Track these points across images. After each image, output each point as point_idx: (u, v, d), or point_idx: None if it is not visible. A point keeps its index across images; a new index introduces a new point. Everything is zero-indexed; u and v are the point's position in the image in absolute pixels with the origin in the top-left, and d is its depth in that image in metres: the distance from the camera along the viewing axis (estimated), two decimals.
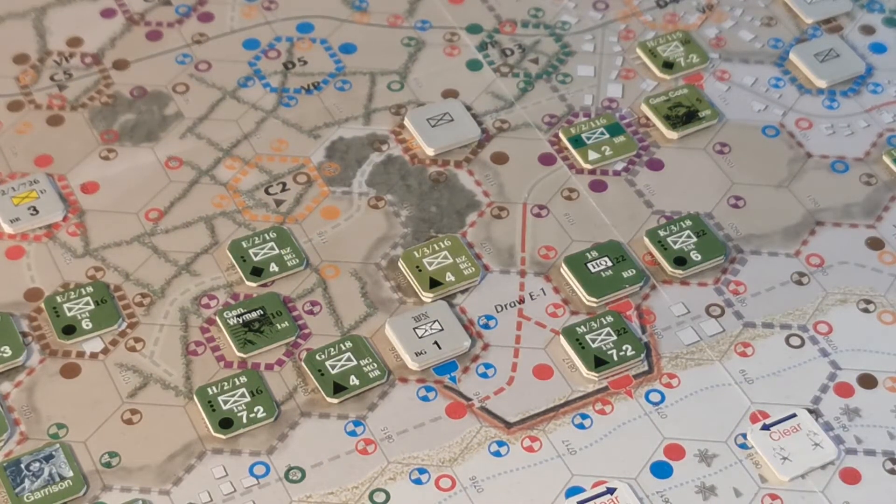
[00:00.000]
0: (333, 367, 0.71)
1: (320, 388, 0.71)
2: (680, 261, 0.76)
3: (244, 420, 0.70)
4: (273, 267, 0.75)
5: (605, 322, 0.73)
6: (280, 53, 0.86)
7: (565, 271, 0.75)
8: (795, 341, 0.73)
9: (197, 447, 0.69)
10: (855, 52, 0.86)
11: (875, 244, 0.77)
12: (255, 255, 0.76)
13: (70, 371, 0.71)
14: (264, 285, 0.75)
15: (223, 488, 0.68)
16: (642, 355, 0.72)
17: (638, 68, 0.85)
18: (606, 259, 0.76)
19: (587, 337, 0.73)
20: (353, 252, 0.76)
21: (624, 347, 0.72)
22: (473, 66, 0.85)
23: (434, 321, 0.73)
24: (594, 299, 0.74)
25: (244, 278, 0.75)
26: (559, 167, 0.80)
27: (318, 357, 0.72)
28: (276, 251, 0.76)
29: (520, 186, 0.80)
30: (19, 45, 0.86)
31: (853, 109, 0.84)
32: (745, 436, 0.70)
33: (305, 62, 0.85)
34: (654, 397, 0.71)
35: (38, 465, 0.68)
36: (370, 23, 0.87)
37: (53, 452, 0.68)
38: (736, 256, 0.77)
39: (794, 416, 0.70)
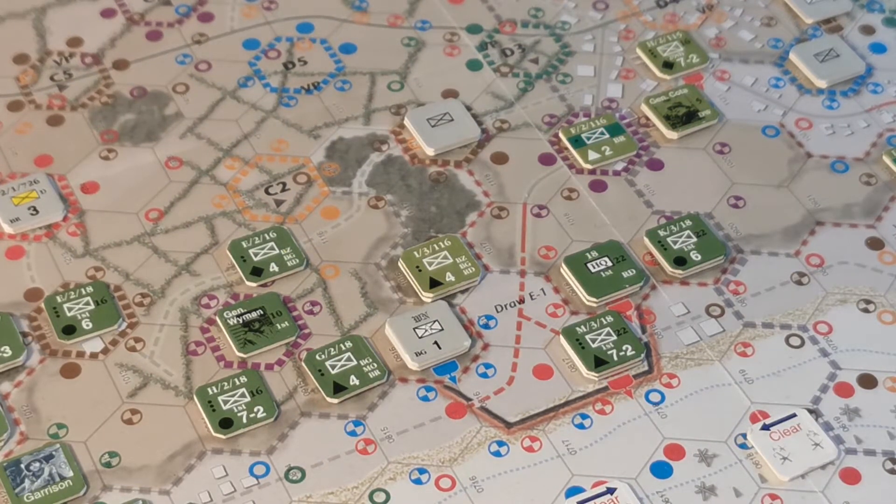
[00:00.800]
0: (333, 367, 0.71)
1: (320, 388, 0.71)
2: (680, 261, 0.76)
3: (244, 420, 0.70)
4: (273, 267, 0.75)
5: (605, 322, 0.73)
6: (280, 53, 0.86)
7: (565, 271, 0.75)
8: (795, 341, 0.73)
9: (197, 447, 0.69)
10: (855, 52, 0.86)
11: (875, 244, 0.77)
12: (255, 255, 0.76)
13: (70, 371, 0.71)
14: (264, 285, 0.75)
15: (223, 488, 0.68)
16: (642, 355, 0.72)
17: (638, 68, 0.85)
18: (606, 259, 0.76)
19: (587, 337, 0.73)
20: (353, 252, 0.76)
21: (624, 347, 0.72)
22: (473, 66, 0.85)
23: (434, 321, 0.73)
24: (594, 299, 0.74)
25: (244, 278, 0.75)
26: (559, 167, 0.80)
27: (318, 357, 0.72)
28: (276, 251, 0.76)
29: (520, 186, 0.80)
30: (19, 45, 0.86)
31: (853, 109, 0.84)
32: (745, 436, 0.70)
33: (305, 62, 0.85)
34: (654, 397, 0.71)
35: (38, 465, 0.68)
36: (370, 23, 0.87)
37: (53, 452, 0.68)
38: (736, 256, 0.77)
39: (794, 416, 0.70)
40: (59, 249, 0.76)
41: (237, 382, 0.71)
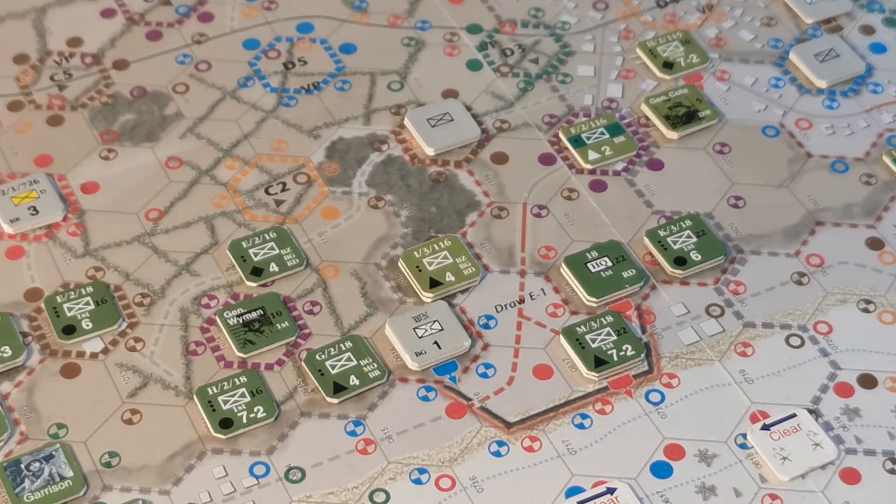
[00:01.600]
0: (333, 367, 0.71)
1: (320, 388, 0.71)
2: (680, 261, 0.76)
3: (244, 420, 0.70)
4: (273, 267, 0.75)
5: (605, 322, 0.73)
6: (280, 53, 0.86)
7: (565, 271, 0.75)
8: (795, 341, 0.73)
9: (197, 447, 0.69)
10: (855, 52, 0.86)
11: (875, 244, 0.77)
12: (255, 255, 0.76)
13: (70, 371, 0.71)
14: (264, 285, 0.75)
15: (223, 488, 0.68)
16: (642, 355, 0.72)
17: (638, 68, 0.85)
18: (606, 259, 0.76)
19: (587, 337, 0.73)
20: (353, 252, 0.76)
21: (624, 347, 0.72)
22: (473, 66, 0.85)
23: (434, 321, 0.73)
24: (594, 299, 0.74)
25: (244, 278, 0.75)
26: (559, 167, 0.80)
27: (318, 357, 0.72)
28: (276, 251, 0.76)
29: (520, 186, 0.80)
30: (19, 45, 0.86)
31: (853, 109, 0.84)
32: (745, 436, 0.70)
33: (305, 62, 0.85)
34: (654, 397, 0.71)
35: (38, 465, 0.68)
36: (370, 23, 0.87)
37: (53, 452, 0.68)
38: (736, 256, 0.77)
39: (794, 416, 0.70)
40: (59, 249, 0.76)
41: (237, 382, 0.71)
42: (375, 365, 0.71)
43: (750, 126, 0.83)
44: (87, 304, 0.73)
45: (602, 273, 0.75)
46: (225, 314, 0.73)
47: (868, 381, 0.72)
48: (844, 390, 0.71)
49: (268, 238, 0.76)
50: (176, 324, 0.73)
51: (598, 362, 0.72)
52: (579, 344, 0.72)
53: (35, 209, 0.77)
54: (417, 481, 0.68)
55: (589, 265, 0.75)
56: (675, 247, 0.76)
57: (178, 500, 0.67)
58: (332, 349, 0.72)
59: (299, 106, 0.83)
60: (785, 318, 0.74)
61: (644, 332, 0.73)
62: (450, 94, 0.84)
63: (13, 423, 0.69)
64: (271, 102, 0.83)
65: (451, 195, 0.79)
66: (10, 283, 0.75)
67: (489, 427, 0.70)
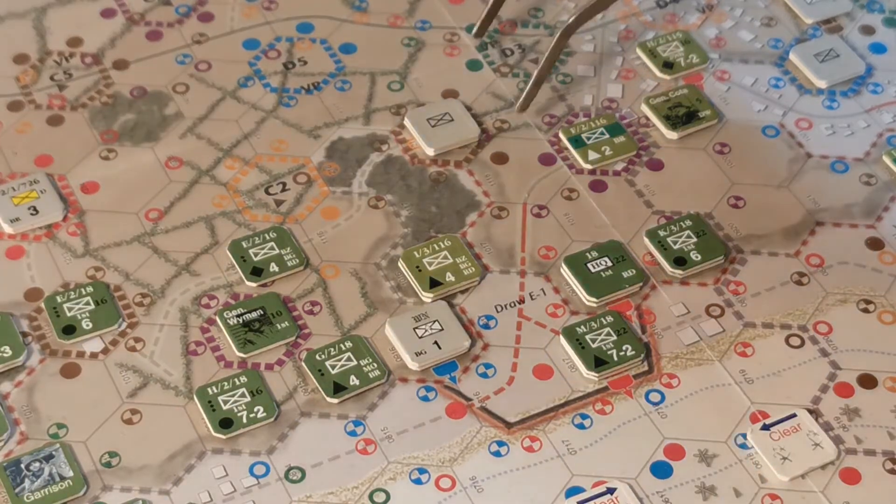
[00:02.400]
0: (333, 367, 0.71)
1: (320, 388, 0.71)
2: (680, 261, 0.76)
3: (244, 420, 0.70)
4: (273, 267, 0.75)
5: (605, 322, 0.73)
6: (280, 53, 0.86)
7: (565, 271, 0.75)
8: (795, 341, 0.73)
9: (197, 447, 0.69)
10: (855, 52, 0.86)
11: (875, 244, 0.77)
12: (255, 255, 0.76)
13: (70, 371, 0.71)
14: (264, 285, 0.75)
15: (223, 488, 0.68)
16: (642, 355, 0.72)
17: (638, 68, 0.85)
18: (606, 259, 0.76)
19: (587, 337, 0.73)
20: (353, 252, 0.76)
21: (624, 347, 0.72)
22: (473, 66, 0.85)
23: (434, 321, 0.73)
24: (594, 299, 0.74)
25: (244, 278, 0.75)
26: (559, 167, 0.80)
27: (318, 357, 0.72)
28: (276, 251, 0.76)
29: (520, 186, 0.80)
30: (19, 45, 0.86)
31: (853, 109, 0.84)
32: (745, 436, 0.70)
33: (305, 62, 0.85)
34: (654, 397, 0.71)
35: (38, 465, 0.68)
36: (370, 23, 0.87)
37: (53, 452, 0.68)
38: (736, 256, 0.77)
39: (794, 416, 0.70)
40: (59, 249, 0.76)
41: (237, 382, 0.71)
42: (375, 365, 0.71)
43: (750, 126, 0.83)
44: (87, 304, 0.73)
45: (602, 273, 0.75)
46: (225, 314, 0.73)
47: (868, 381, 0.72)
48: (844, 390, 0.71)
49: (268, 238, 0.76)
50: (176, 324, 0.73)
51: (598, 362, 0.72)
52: (579, 344, 0.72)
53: (35, 209, 0.77)
54: (417, 481, 0.68)
55: (589, 265, 0.75)
56: (675, 247, 0.76)
57: (178, 500, 0.67)
58: (332, 349, 0.72)
59: (299, 106, 0.83)
60: (785, 318, 0.74)
61: (644, 332, 0.73)
62: (450, 94, 0.84)
63: (13, 423, 0.69)
64: (271, 102, 0.83)
65: (451, 195, 0.79)
66: (10, 283, 0.75)
67: (489, 427, 0.70)
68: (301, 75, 0.85)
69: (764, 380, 0.72)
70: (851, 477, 0.68)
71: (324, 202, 0.79)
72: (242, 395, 0.70)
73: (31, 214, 0.77)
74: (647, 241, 0.77)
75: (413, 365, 0.72)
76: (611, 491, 0.68)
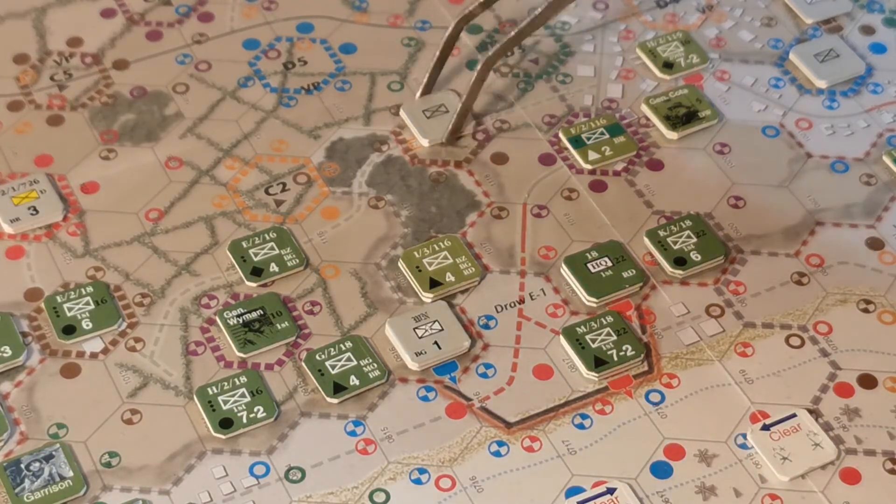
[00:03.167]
0: (333, 367, 0.71)
1: (320, 388, 0.71)
2: (680, 261, 0.76)
3: (244, 420, 0.70)
4: (273, 267, 0.75)
5: (605, 322, 0.73)
6: (280, 53, 0.86)
7: (565, 271, 0.75)
8: (795, 341, 0.73)
9: (197, 447, 0.69)
10: (855, 52, 0.86)
11: (875, 244, 0.77)
12: (255, 255, 0.76)
13: (70, 371, 0.71)
14: (264, 285, 0.75)
15: (223, 488, 0.68)
16: (642, 355, 0.72)
17: (638, 68, 0.85)
18: (606, 259, 0.76)
19: (587, 337, 0.73)
20: (353, 252, 0.77)
21: (624, 347, 0.72)
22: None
23: (434, 321, 0.73)
24: (594, 299, 0.74)
25: (244, 278, 0.75)
26: (559, 167, 0.80)
27: (318, 357, 0.72)
28: (276, 251, 0.76)
29: (520, 186, 0.80)
30: (19, 45, 0.86)
31: (853, 109, 0.84)
32: (745, 436, 0.70)
33: (305, 62, 0.85)
34: (654, 397, 0.71)
35: (38, 465, 0.68)
36: (370, 23, 0.88)
37: (53, 452, 0.68)
38: (736, 256, 0.77)
39: (794, 416, 0.70)
40: (59, 249, 0.76)
41: (237, 382, 0.71)
42: (375, 365, 0.71)
43: (750, 126, 0.83)
44: (87, 304, 0.73)
45: (602, 273, 0.75)
46: (225, 314, 0.73)
47: (868, 381, 0.72)
48: (844, 390, 0.71)
49: (268, 238, 0.76)
50: (176, 324, 0.73)
51: (598, 362, 0.72)
52: (579, 344, 0.72)
53: (35, 209, 0.77)
54: (417, 481, 0.68)
55: (589, 265, 0.75)
56: (675, 247, 0.76)
57: (178, 500, 0.67)
58: (332, 349, 0.72)
59: (299, 106, 0.83)
60: (785, 318, 0.74)
61: (644, 332, 0.73)
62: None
63: (13, 423, 0.69)
64: (271, 102, 0.83)
65: (451, 195, 0.79)
66: (10, 283, 0.75)
67: (489, 427, 0.70)
68: (301, 75, 0.85)
69: (764, 380, 0.72)
70: (851, 477, 0.68)
71: (324, 202, 0.79)
72: (242, 395, 0.70)
73: (31, 214, 0.77)
74: (647, 241, 0.77)
75: (413, 365, 0.72)
76: (611, 491, 0.68)
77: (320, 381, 0.71)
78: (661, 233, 0.77)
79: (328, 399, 0.71)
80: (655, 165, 0.81)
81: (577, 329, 0.73)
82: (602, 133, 0.81)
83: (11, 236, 0.77)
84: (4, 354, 0.71)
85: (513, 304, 0.75)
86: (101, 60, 0.85)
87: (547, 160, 0.81)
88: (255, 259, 0.76)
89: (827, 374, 0.72)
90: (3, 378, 0.71)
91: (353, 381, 0.71)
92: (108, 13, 0.87)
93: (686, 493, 0.68)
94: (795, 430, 0.70)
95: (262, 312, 0.73)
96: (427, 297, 0.74)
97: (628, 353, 0.72)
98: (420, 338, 0.72)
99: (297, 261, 0.76)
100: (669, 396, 0.71)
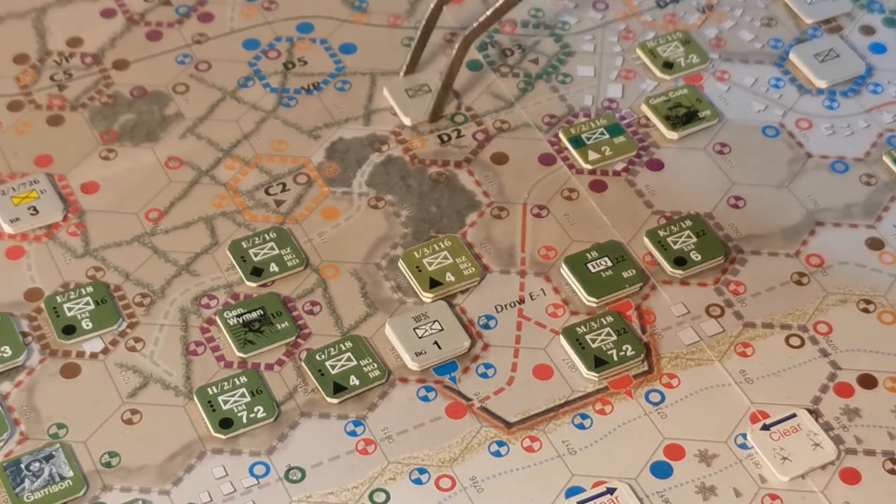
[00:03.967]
0: (333, 367, 0.71)
1: (320, 388, 0.71)
2: (680, 261, 0.76)
3: (244, 420, 0.70)
4: (273, 267, 0.75)
5: (605, 322, 0.73)
6: (280, 53, 0.86)
7: (565, 271, 0.75)
8: (795, 341, 0.73)
9: (197, 447, 0.69)
10: (855, 52, 0.86)
11: (875, 244, 0.77)
12: (255, 255, 0.76)
13: (70, 371, 0.71)
14: (264, 285, 0.75)
15: (223, 488, 0.68)
16: (642, 355, 0.72)
17: (638, 68, 0.85)
18: (606, 259, 0.76)
19: (587, 337, 0.73)
20: (353, 252, 0.77)
21: (624, 347, 0.72)
22: (473, 66, 0.85)
23: (434, 321, 0.73)
24: (594, 299, 0.74)
25: (244, 278, 0.75)
26: (559, 167, 0.80)
27: (318, 357, 0.72)
28: (276, 251, 0.76)
29: (520, 186, 0.80)
30: (19, 45, 0.86)
31: (853, 109, 0.84)
32: (745, 436, 0.70)
33: (305, 62, 0.85)
34: (654, 397, 0.71)
35: (38, 465, 0.68)
36: (370, 23, 0.88)
37: (53, 452, 0.68)
38: (736, 256, 0.77)
39: (794, 416, 0.70)
40: (59, 249, 0.76)
41: (237, 382, 0.71)
42: (375, 365, 0.71)
43: (750, 126, 0.83)
44: (87, 304, 0.73)
45: (602, 273, 0.75)
46: (225, 314, 0.73)
47: (868, 381, 0.72)
48: (844, 390, 0.71)
49: (268, 238, 0.76)
50: (176, 324, 0.73)
51: (598, 362, 0.72)
52: (579, 344, 0.72)
53: (35, 209, 0.77)
54: (417, 481, 0.68)
55: (589, 265, 0.75)
56: (675, 247, 0.76)
57: (178, 500, 0.67)
58: (332, 349, 0.72)
59: (299, 106, 0.83)
60: (785, 318, 0.74)
61: (644, 332, 0.73)
62: None
63: (13, 423, 0.69)
64: (271, 102, 0.83)
65: (451, 195, 0.79)
66: (10, 283, 0.75)
67: (489, 427, 0.70)
68: (301, 75, 0.85)
69: (764, 380, 0.72)
70: (851, 477, 0.68)
71: (324, 202, 0.79)
72: (242, 395, 0.70)
73: (31, 214, 0.77)
74: (647, 241, 0.77)
75: (413, 365, 0.72)
76: (611, 491, 0.68)
77: (320, 381, 0.71)
78: (661, 233, 0.77)
79: (328, 399, 0.71)
80: (655, 165, 0.81)
81: (577, 329, 0.73)
82: (602, 133, 0.81)
83: (11, 236, 0.77)
84: (4, 354, 0.71)
85: (513, 304, 0.75)
86: (101, 60, 0.85)
87: (547, 160, 0.81)
88: (255, 259, 0.76)
89: (827, 374, 0.72)
90: (3, 378, 0.71)
91: (353, 381, 0.71)
92: (108, 13, 0.87)
93: (686, 493, 0.68)
94: (795, 430, 0.70)
95: (262, 312, 0.73)
96: (427, 297, 0.74)
97: (628, 353, 0.72)
98: (420, 338, 0.72)
99: (297, 261, 0.76)
100: (669, 396, 0.71)
